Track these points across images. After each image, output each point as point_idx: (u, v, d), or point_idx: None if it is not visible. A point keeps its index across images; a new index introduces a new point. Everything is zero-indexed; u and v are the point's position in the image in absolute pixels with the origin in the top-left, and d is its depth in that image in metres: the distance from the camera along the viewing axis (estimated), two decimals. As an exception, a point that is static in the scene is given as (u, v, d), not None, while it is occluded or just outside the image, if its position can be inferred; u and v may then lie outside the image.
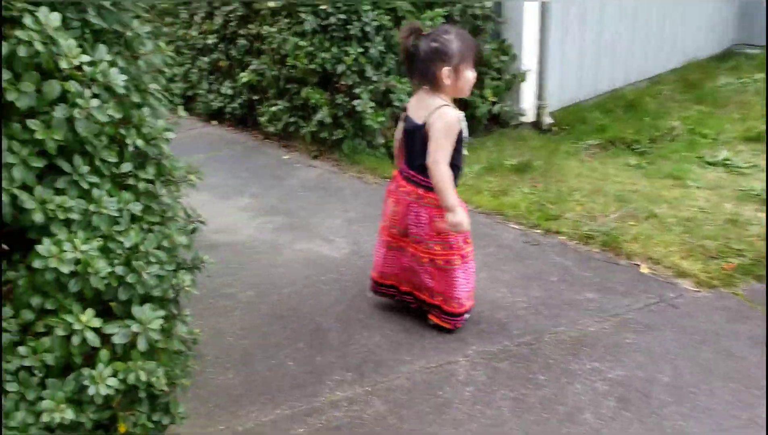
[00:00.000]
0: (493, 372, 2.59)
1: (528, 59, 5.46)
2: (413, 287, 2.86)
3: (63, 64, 1.60)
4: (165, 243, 1.98)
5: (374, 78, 4.62)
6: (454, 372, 2.60)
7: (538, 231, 3.75)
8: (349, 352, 2.76)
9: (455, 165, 2.58)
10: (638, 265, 3.31)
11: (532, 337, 2.79)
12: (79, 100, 1.68)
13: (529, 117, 5.65)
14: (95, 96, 1.73)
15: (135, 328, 1.81)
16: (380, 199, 3.01)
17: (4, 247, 1.81)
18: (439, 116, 2.50)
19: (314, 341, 2.84)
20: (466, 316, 2.84)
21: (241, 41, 5.36)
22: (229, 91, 5.65)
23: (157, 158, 2.12)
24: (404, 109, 2.72)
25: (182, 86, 6.22)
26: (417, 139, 2.56)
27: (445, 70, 2.48)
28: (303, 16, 4.58)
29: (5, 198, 1.66)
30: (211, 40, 5.68)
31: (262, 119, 5.31)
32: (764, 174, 4.24)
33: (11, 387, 1.76)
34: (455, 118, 2.52)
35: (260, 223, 4.09)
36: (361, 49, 4.53)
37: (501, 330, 2.86)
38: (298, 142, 5.25)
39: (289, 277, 3.39)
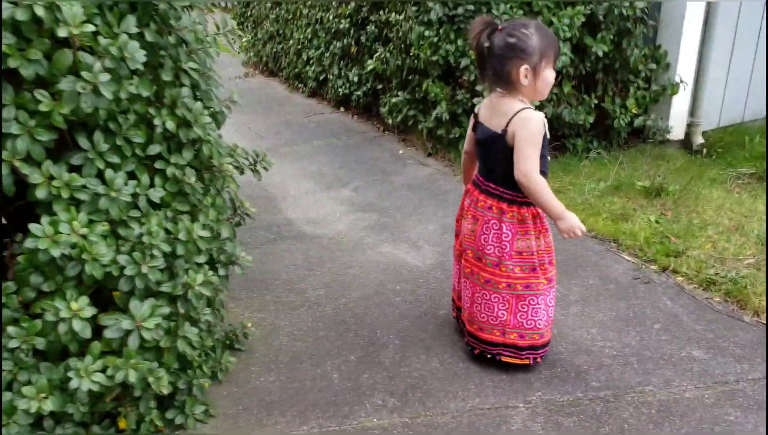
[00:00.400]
0: (554, 427, 2.23)
1: (684, 69, 4.84)
2: (473, 323, 2.53)
3: (61, 33, 1.47)
4: (182, 235, 1.82)
5: (498, 76, 4.26)
6: (509, 419, 2.27)
7: (654, 267, 3.26)
8: (399, 374, 2.51)
9: (541, 171, 2.25)
10: (766, 325, 2.76)
11: (611, 393, 2.39)
12: (85, 74, 1.54)
13: (677, 134, 5.03)
14: (108, 70, 1.59)
15: (126, 324, 1.67)
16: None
17: (3, 221, 1.75)
18: (522, 122, 2.19)
19: (366, 355, 2.62)
20: (545, 349, 2.51)
21: (371, 27, 5.20)
22: (356, 78, 5.53)
23: (196, 143, 1.97)
24: (474, 116, 2.42)
25: (316, 69, 6.19)
26: (496, 148, 2.27)
27: (523, 69, 2.17)
28: (430, 4, 4.32)
29: (4, 169, 1.56)
30: (343, 24, 5.58)
31: (383, 110, 5.14)
32: None
33: (6, 365, 1.69)
34: (540, 122, 2.19)
35: (353, 219, 3.92)
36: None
37: (577, 378, 2.47)
38: (415, 137, 5.02)
39: (363, 281, 3.19)
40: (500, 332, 2.46)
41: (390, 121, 5.11)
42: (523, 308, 2.41)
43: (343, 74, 5.75)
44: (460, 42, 4.28)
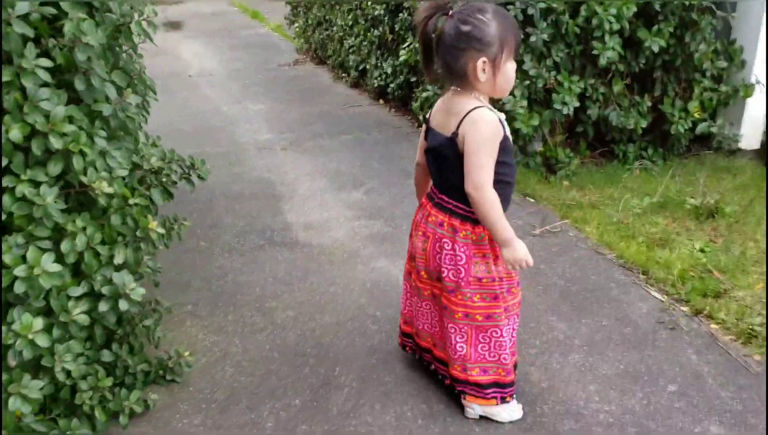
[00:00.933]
0: None
1: (762, 68, 4.17)
2: (437, 349, 2.22)
3: None
4: (21, 271, 1.52)
5: (532, 72, 3.77)
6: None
7: (685, 308, 2.74)
8: (343, 428, 2.14)
9: (504, 181, 1.90)
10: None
11: (591, 478, 1.93)
12: None
13: (750, 143, 4.37)
14: None
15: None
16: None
17: None
18: (473, 125, 1.81)
19: (314, 399, 2.27)
20: (513, 388, 2.14)
21: (404, 14, 4.78)
22: (390, 70, 5.12)
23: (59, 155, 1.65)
24: (426, 121, 2.03)
25: (356, 58, 5.82)
26: (447, 156, 1.90)
27: (480, 63, 1.79)
28: (459, -10, 3.86)
29: None
30: (378, 10, 5.17)
31: (415, 105, 4.72)
32: None
33: None
34: (493, 123, 1.82)
35: (356, 226, 3.55)
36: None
37: (553, 452, 2.03)
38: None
39: (342, 302, 2.84)
40: (461, 368, 2.09)
41: (421, 118, 4.68)
42: (484, 340, 2.05)
43: (379, 64, 5.36)
44: (490, 33, 3.80)
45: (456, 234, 1.94)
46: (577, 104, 3.81)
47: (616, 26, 3.70)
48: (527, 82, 3.79)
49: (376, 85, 5.39)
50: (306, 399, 2.27)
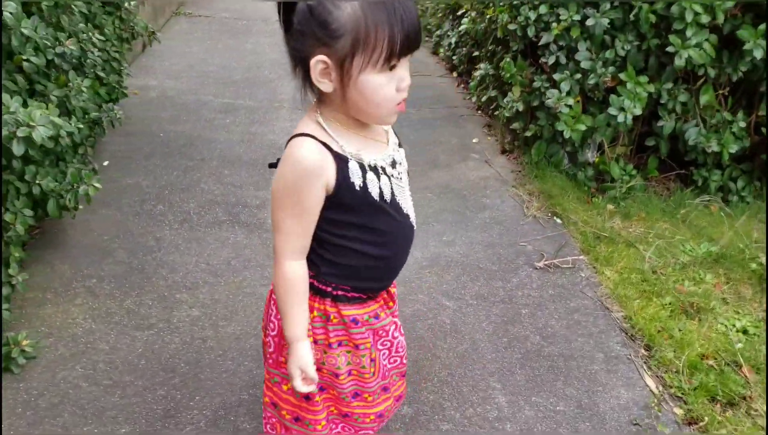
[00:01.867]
0: None
1: None
2: None
3: None
4: None
5: (585, 64, 3.03)
6: None
7: (678, 412, 2.04)
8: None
9: (354, 250, 1.32)
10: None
11: None
12: None
13: None
14: None
15: None
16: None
17: None
18: (282, 161, 1.24)
19: None
20: None
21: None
22: (455, 39, 4.47)
23: None
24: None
25: (433, 23, 5.19)
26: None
27: (315, 62, 1.16)
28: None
29: None
30: (451, -31, 4.51)
31: (472, 83, 4.07)
32: None
33: None
34: (308, 162, 1.20)
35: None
36: (578, 17, 2.97)
37: None
38: (500, 125, 3.90)
39: (258, 312, 2.37)
40: None
41: (474, 99, 4.03)
42: None
43: (449, 33, 4.71)
44: (543, 8, 3.08)
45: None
46: (639, 112, 3.01)
47: (704, 18, 2.85)
48: (578, 75, 3.04)
49: (441, 55, 4.75)
50: (134, 431, 1.85)
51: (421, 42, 1.22)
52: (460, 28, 4.15)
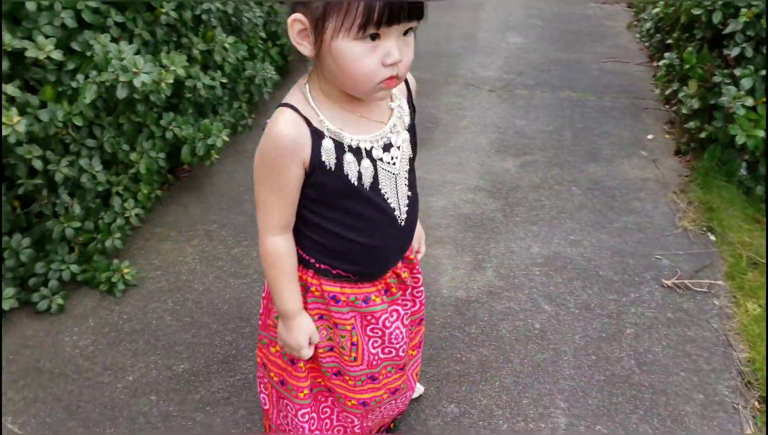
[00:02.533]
0: None
1: None
2: None
3: None
4: None
5: (774, 59, 2.58)
6: None
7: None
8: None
9: (338, 235, 1.27)
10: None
11: None
12: None
13: None
14: None
15: None
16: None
17: None
18: (264, 133, 1.19)
19: (182, 382, 1.98)
20: None
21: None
22: (649, 24, 4.03)
23: None
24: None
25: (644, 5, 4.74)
26: None
27: (291, 20, 1.11)
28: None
29: None
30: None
31: (659, 73, 3.68)
32: None
33: None
34: (284, 136, 1.15)
35: (462, 200, 2.96)
36: None
37: None
38: (679, 122, 3.49)
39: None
40: (267, 427, 1.64)
41: (657, 91, 3.64)
42: (282, 410, 1.52)
43: (645, 17, 4.26)
44: (732, -8, 2.67)
45: None
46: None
47: None
48: (762, 71, 2.60)
49: (638, 39, 4.33)
50: (190, 369, 1.99)
51: (421, 15, 1.11)
52: (653, 11, 3.72)
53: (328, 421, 1.50)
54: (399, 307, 1.42)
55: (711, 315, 2.28)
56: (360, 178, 1.19)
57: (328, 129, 1.16)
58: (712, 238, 2.69)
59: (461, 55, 4.77)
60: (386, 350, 1.41)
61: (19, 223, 2.06)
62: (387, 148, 1.22)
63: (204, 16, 2.56)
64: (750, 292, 2.36)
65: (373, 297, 1.35)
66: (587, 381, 2.01)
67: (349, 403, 1.44)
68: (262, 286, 1.46)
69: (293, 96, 1.19)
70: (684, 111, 3.16)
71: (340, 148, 1.17)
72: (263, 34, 3.23)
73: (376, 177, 1.21)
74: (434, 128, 3.63)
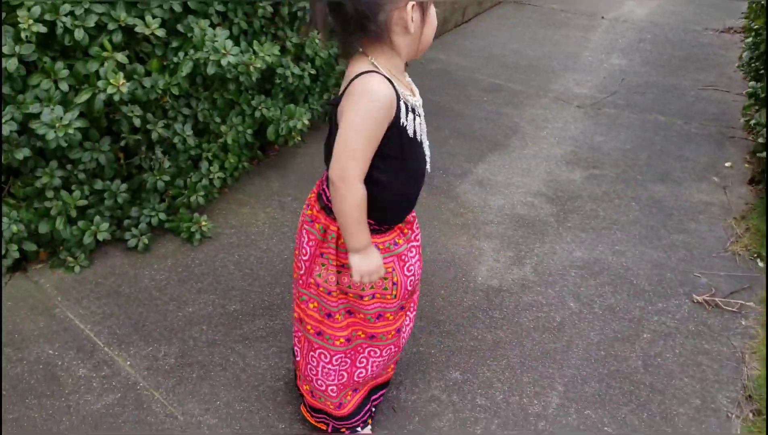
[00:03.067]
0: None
1: None
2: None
3: None
4: None
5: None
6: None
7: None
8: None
9: (379, 183, 1.47)
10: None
11: None
12: None
13: None
14: None
15: None
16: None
17: None
18: (353, 94, 1.37)
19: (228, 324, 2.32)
20: (361, 430, 1.85)
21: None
22: (746, 54, 3.99)
23: None
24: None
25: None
26: (331, 130, 1.49)
27: (410, 7, 1.36)
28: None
29: None
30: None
31: (746, 103, 3.67)
32: None
33: None
34: (383, 96, 1.37)
35: (523, 201, 3.15)
36: None
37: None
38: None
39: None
40: (298, 376, 1.89)
41: (742, 120, 3.64)
42: (313, 361, 1.74)
43: (746, 45, 4.20)
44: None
45: (313, 223, 1.59)
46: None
47: None
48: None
49: (738, 69, 4.28)
50: (240, 309, 2.33)
51: None
52: (747, 40, 3.70)
53: (363, 370, 1.75)
54: (414, 245, 1.67)
55: (734, 333, 2.34)
56: (415, 132, 1.46)
57: (401, 93, 1.42)
58: (761, 264, 2.72)
59: (559, 72, 4.89)
60: (412, 283, 1.66)
61: (120, 172, 2.48)
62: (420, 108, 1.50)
63: (300, 13, 2.90)
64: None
65: (397, 240, 1.59)
66: (590, 372, 2.15)
67: (390, 336, 1.69)
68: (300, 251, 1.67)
69: (367, 67, 1.39)
70: (761, 140, 3.17)
71: (406, 106, 1.43)
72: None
73: (422, 131, 1.49)
74: (513, 135, 3.80)
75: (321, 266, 1.60)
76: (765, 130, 2.75)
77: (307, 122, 2.94)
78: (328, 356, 1.70)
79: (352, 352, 1.72)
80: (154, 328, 2.22)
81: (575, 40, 5.67)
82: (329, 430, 1.83)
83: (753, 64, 3.94)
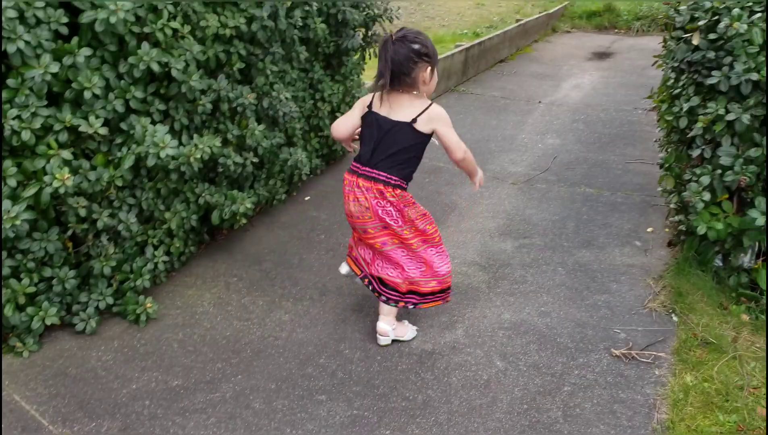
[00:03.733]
0: None
1: None
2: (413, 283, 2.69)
3: None
4: None
5: (725, 160, 2.87)
6: None
7: None
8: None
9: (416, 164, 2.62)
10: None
11: None
12: None
13: None
14: None
15: None
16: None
17: None
18: (438, 115, 2.50)
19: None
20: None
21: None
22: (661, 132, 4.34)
23: None
24: (368, 107, 2.55)
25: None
26: (396, 136, 2.49)
27: (428, 71, 2.47)
28: None
29: None
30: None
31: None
32: None
33: None
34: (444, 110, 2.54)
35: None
36: (723, 111, 2.86)
37: None
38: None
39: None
40: (409, 282, 2.68)
41: (659, 188, 3.92)
42: (421, 261, 2.66)
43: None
44: (695, 100, 3.01)
45: (382, 195, 2.49)
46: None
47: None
48: (718, 171, 2.90)
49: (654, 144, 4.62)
50: (187, 385, 2.44)
51: None
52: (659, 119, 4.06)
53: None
54: None
55: (647, 382, 2.52)
56: None
57: None
58: (675, 319, 2.93)
59: (496, 153, 5.22)
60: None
61: (69, 260, 2.63)
62: None
63: (239, 108, 3.16)
64: (692, 367, 2.58)
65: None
66: (512, 424, 2.30)
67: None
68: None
69: (426, 100, 2.52)
70: (672, 205, 3.44)
71: None
72: (299, 126, 3.82)
73: None
74: (451, 212, 4.04)
75: (408, 210, 2.55)
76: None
77: (250, 206, 3.14)
78: (429, 249, 2.65)
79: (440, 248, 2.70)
80: (98, 405, 2.33)
81: (513, 124, 6.05)
82: (450, 299, 2.80)
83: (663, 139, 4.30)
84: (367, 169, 2.51)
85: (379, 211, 2.51)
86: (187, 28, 2.66)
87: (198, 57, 2.74)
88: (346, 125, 2.64)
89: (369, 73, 6.35)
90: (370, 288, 2.73)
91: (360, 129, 2.60)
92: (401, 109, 2.47)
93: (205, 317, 2.87)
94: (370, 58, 4.77)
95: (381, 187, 2.49)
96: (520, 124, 6.06)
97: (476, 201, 4.22)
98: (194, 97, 2.82)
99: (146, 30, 2.50)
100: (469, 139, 5.48)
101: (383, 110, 2.49)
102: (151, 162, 2.48)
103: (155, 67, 2.49)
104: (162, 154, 2.47)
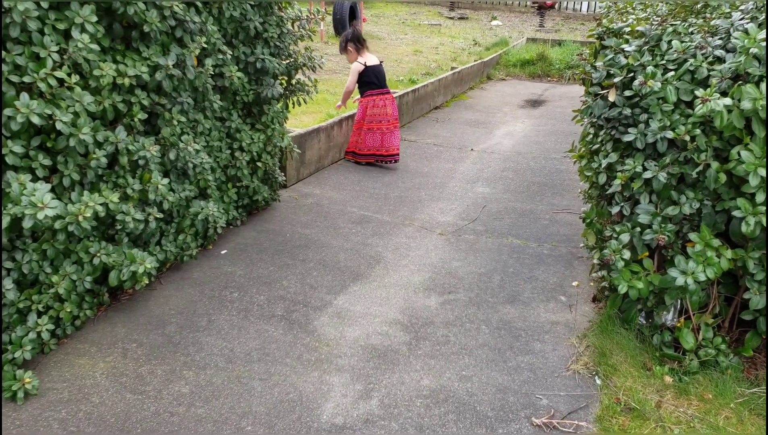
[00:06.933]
0: None
1: None
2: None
3: None
4: None
5: (643, 218, 2.81)
6: None
7: None
8: None
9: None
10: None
11: None
12: None
13: None
14: None
15: None
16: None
17: None
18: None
19: None
20: None
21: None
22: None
23: None
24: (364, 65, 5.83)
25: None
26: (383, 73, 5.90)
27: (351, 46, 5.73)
28: None
29: None
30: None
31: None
32: None
33: None
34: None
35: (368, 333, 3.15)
36: (640, 168, 2.81)
37: None
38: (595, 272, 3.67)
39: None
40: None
41: (582, 243, 3.86)
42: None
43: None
44: (614, 156, 2.95)
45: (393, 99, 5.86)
46: (708, 277, 2.68)
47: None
48: (637, 228, 2.83)
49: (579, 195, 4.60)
50: None
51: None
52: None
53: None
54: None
55: (567, 454, 2.38)
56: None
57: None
58: (598, 382, 2.81)
59: (426, 202, 5.12)
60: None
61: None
62: None
63: (140, 161, 2.95)
64: (615, 435, 2.46)
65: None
66: (423, 509, 2.11)
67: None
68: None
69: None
70: (595, 261, 3.37)
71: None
72: (214, 177, 3.63)
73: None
74: (376, 265, 3.89)
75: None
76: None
77: (150, 265, 2.91)
78: None
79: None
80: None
81: (444, 172, 5.99)
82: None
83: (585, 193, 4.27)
84: (387, 89, 5.86)
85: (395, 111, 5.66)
86: (75, 78, 2.46)
87: (90, 108, 2.53)
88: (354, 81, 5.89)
89: (293, 122, 6.26)
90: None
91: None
92: (375, 59, 5.85)
93: (94, 391, 2.61)
94: (293, 106, 4.64)
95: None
96: (451, 171, 6.01)
97: (402, 253, 4.09)
98: (86, 151, 2.61)
99: (26, 80, 2.29)
100: (400, 186, 5.40)
101: (369, 61, 5.80)
102: (27, 224, 2.25)
103: (35, 120, 2.28)
104: (40, 216, 2.25)
